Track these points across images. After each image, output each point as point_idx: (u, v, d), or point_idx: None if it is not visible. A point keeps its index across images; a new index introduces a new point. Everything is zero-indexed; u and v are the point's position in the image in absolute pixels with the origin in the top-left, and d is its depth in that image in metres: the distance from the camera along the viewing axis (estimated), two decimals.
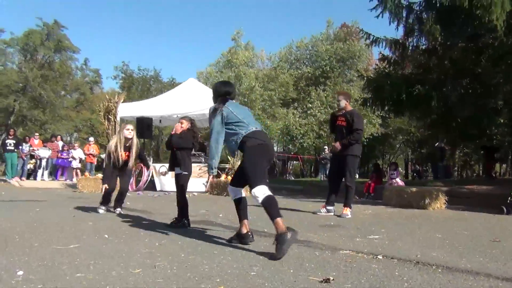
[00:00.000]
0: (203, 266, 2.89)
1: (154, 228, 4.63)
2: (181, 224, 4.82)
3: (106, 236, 4.06)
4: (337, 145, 6.30)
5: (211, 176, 3.84)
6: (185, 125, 5.14)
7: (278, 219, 3.30)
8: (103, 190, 6.26)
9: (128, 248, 3.48)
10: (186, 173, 5.03)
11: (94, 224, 4.94)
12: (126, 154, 6.21)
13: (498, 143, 16.40)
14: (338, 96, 6.72)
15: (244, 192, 3.91)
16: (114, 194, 6.42)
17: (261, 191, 3.39)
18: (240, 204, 3.84)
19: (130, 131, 6.27)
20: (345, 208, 6.23)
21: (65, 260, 2.97)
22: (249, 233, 3.76)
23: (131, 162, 6.28)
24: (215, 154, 3.66)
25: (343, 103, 6.45)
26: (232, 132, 3.64)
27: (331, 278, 2.59)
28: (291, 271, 2.79)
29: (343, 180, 6.44)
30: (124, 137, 6.19)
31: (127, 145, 6.21)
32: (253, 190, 3.42)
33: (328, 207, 6.50)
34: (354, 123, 6.20)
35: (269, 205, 3.37)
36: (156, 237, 4.09)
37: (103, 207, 6.31)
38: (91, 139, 17.24)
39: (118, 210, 6.29)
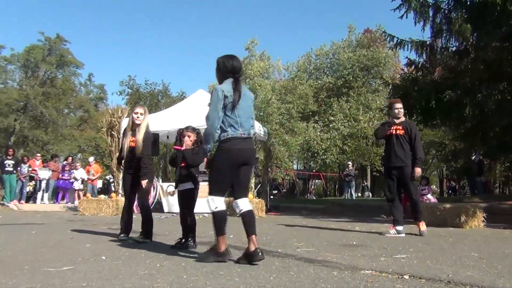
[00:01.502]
0: (206, 287, 2.84)
1: (157, 250, 4.60)
2: (186, 245, 4.79)
3: (104, 258, 4.04)
4: (419, 171, 6.24)
5: (205, 158, 4.12)
6: (193, 138, 5.08)
7: (220, 237, 3.79)
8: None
9: (126, 269, 3.45)
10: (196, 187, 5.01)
11: (93, 246, 4.94)
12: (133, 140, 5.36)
13: None
14: (395, 104, 6.50)
15: (249, 205, 3.95)
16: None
17: (216, 202, 3.79)
18: (245, 218, 3.86)
19: (138, 116, 5.38)
20: (421, 222, 6.19)
21: (56, 282, 2.96)
22: (258, 250, 3.68)
23: (137, 150, 5.28)
24: (210, 140, 3.82)
25: (403, 111, 6.47)
26: (222, 127, 3.79)
27: None
28: None
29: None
30: (131, 121, 5.46)
31: (135, 130, 5.42)
32: (209, 197, 3.80)
33: (398, 228, 6.18)
34: (415, 140, 6.17)
35: (218, 219, 3.80)
36: (158, 258, 4.06)
37: (123, 235, 5.50)
38: (91, 159, 17.30)
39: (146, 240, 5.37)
